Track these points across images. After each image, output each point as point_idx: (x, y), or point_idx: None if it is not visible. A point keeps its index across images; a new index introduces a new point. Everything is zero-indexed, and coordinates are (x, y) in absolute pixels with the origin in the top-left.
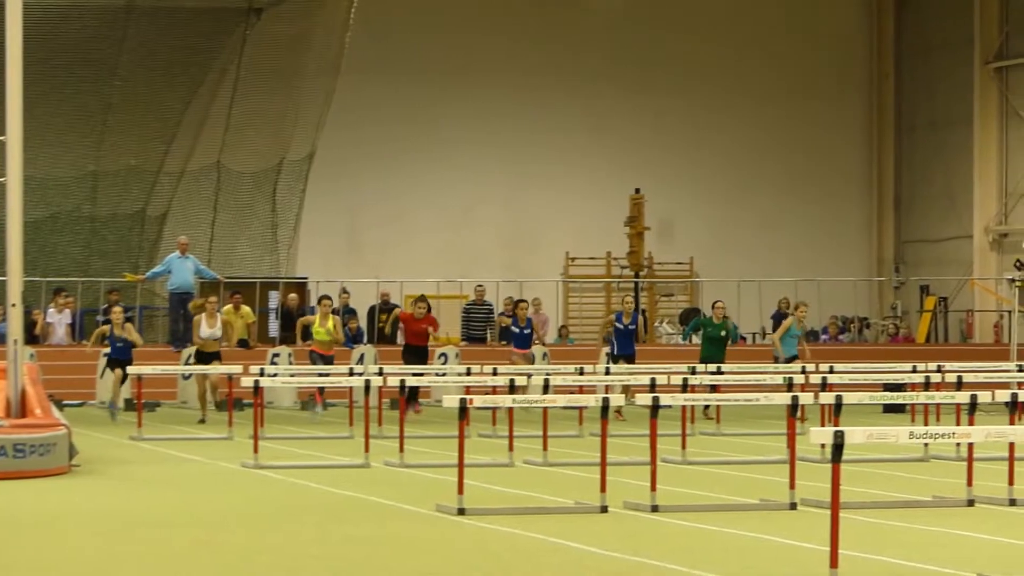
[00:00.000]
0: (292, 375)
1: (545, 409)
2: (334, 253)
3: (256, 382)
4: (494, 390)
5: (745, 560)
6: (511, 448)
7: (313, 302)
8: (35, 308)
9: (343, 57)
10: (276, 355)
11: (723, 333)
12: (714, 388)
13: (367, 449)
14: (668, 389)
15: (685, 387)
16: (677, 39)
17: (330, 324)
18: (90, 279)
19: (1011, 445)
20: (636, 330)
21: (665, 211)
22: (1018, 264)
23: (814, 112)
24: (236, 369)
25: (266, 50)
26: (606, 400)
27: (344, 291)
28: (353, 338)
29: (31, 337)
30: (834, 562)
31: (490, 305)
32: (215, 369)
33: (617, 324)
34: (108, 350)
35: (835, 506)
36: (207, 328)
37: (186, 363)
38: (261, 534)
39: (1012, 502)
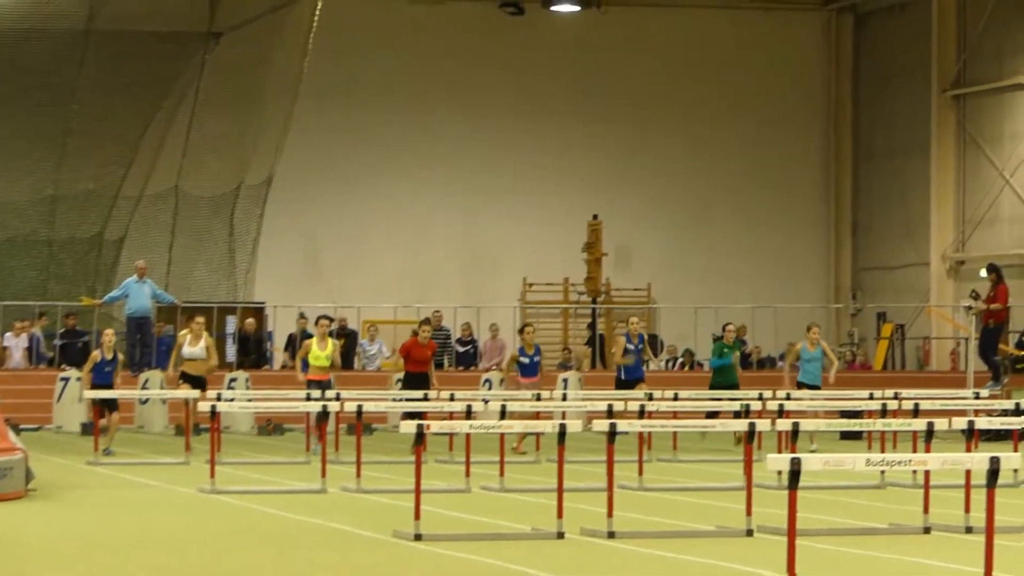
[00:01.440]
0: (249, 400)
1: (502, 435)
2: (292, 278)
3: (213, 407)
4: (451, 416)
5: None
6: (468, 474)
7: (273, 326)
8: None
9: (301, 82)
10: (233, 380)
11: (737, 353)
12: (713, 415)
13: (324, 474)
14: (625, 415)
15: (642, 413)
16: (635, 67)
17: (329, 348)
18: (47, 303)
19: (968, 473)
20: (643, 351)
21: (623, 237)
22: (974, 293)
23: (772, 139)
24: (194, 394)
25: (225, 74)
26: (563, 427)
27: (301, 316)
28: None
29: None
30: None
31: (447, 331)
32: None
33: (628, 345)
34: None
35: (792, 533)
36: (190, 347)
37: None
38: (217, 560)
39: (968, 530)
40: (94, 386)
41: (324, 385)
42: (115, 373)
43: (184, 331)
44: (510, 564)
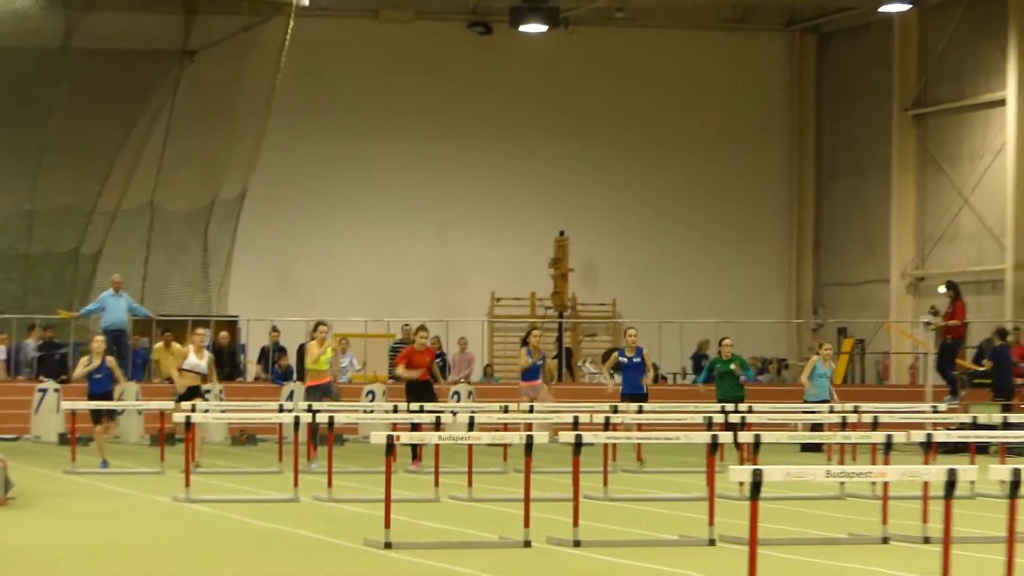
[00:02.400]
0: (223, 411)
1: (470, 446)
2: (265, 291)
3: (188, 417)
4: (420, 427)
5: None
6: (437, 484)
7: (246, 339)
8: None
9: (274, 99)
10: (207, 391)
11: (732, 367)
12: (737, 426)
13: (296, 484)
14: (591, 427)
15: (607, 425)
16: (602, 87)
17: (328, 352)
18: (25, 316)
19: (925, 484)
20: (644, 364)
21: (589, 253)
22: (933, 310)
23: (736, 158)
24: (168, 405)
25: (199, 91)
26: (530, 439)
27: (274, 329)
28: (283, 375)
29: None
30: None
31: None
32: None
33: (621, 359)
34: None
35: (753, 542)
36: (194, 358)
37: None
38: (191, 567)
39: (926, 540)
40: (93, 395)
41: (325, 389)
42: (111, 380)
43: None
44: (478, 572)
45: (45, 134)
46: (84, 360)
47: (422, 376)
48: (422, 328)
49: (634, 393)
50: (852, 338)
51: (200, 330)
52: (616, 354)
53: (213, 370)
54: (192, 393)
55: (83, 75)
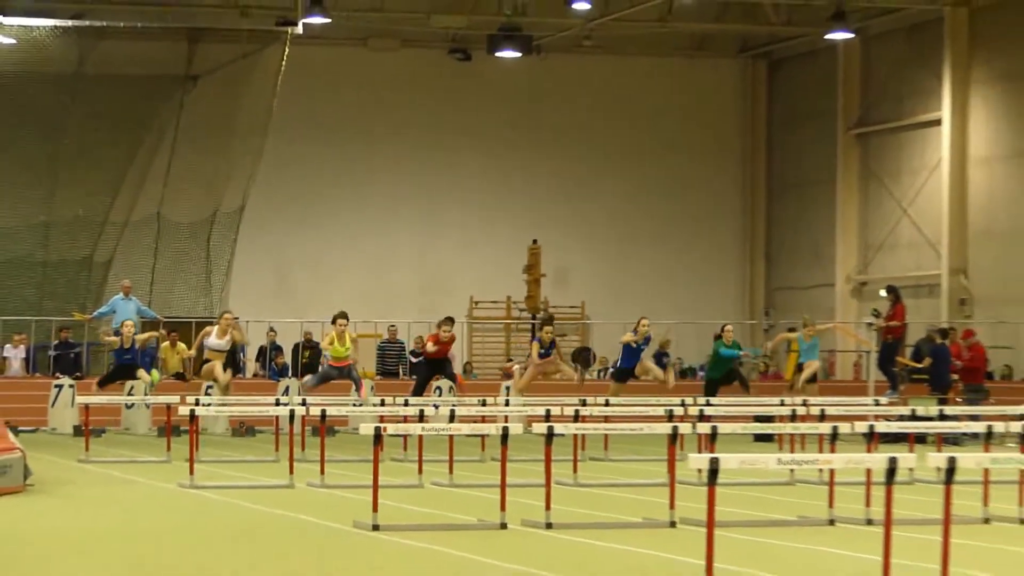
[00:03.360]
0: (224, 404)
1: (451, 436)
2: (262, 295)
3: (192, 411)
4: (405, 419)
5: (630, 572)
6: (420, 471)
7: (245, 340)
8: None
9: (271, 119)
10: (210, 386)
11: (733, 354)
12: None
13: (292, 471)
14: (561, 419)
15: (577, 417)
16: (571, 108)
17: (347, 343)
18: (42, 318)
19: (868, 471)
20: (640, 351)
21: (559, 260)
22: (875, 312)
23: (694, 173)
24: (174, 399)
25: (201, 113)
26: (506, 429)
27: (271, 329)
28: (280, 372)
29: None
30: (709, 573)
31: (402, 343)
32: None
33: (632, 344)
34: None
35: (710, 524)
36: (216, 339)
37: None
38: (195, 548)
39: (869, 522)
40: (118, 366)
41: (344, 371)
42: (135, 358)
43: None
44: (458, 552)
45: (60, 151)
46: (115, 341)
47: (440, 353)
48: (447, 320)
49: (626, 368)
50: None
51: (227, 313)
52: (630, 335)
53: (242, 337)
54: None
55: (95, 98)
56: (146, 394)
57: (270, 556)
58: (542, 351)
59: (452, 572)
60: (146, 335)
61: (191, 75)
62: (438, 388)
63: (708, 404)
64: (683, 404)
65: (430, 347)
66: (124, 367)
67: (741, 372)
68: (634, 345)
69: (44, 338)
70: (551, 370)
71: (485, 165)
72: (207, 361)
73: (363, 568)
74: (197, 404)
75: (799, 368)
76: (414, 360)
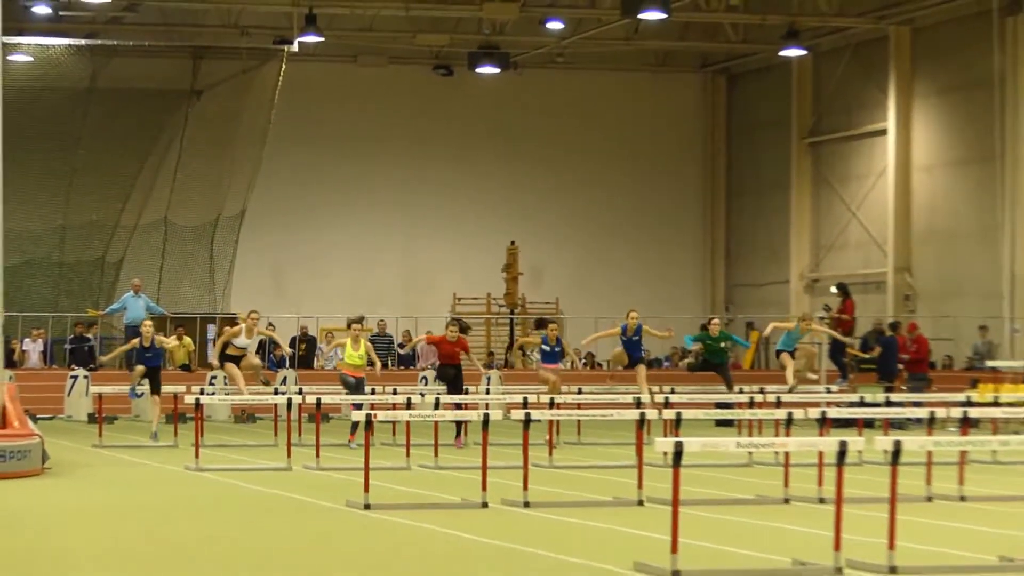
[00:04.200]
0: (227, 393)
1: (436, 422)
2: (261, 293)
3: (197, 399)
4: (394, 407)
5: (601, 547)
6: (408, 454)
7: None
8: (13, 338)
9: (269, 131)
10: (213, 377)
11: (722, 344)
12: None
13: (289, 455)
14: (538, 406)
15: (552, 404)
16: (546, 119)
17: (362, 348)
18: (59, 314)
19: (820, 453)
20: (640, 341)
21: (535, 259)
22: (826, 307)
23: (659, 179)
24: (180, 389)
25: (205, 125)
26: (487, 416)
27: (270, 324)
28: (278, 363)
29: (10, 362)
30: (674, 548)
31: (390, 336)
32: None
33: (622, 337)
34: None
35: (675, 503)
36: (243, 338)
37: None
38: (200, 525)
39: (821, 500)
40: (150, 369)
41: (358, 382)
42: (161, 359)
43: (236, 327)
44: (443, 529)
45: (75, 160)
46: (136, 342)
47: (453, 360)
48: (453, 321)
49: (636, 358)
50: (758, 331)
51: (254, 313)
52: (621, 327)
53: (252, 351)
54: (238, 361)
55: (107, 111)
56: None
57: (269, 532)
58: (547, 348)
59: (438, 548)
60: (171, 344)
61: (195, 90)
62: (424, 378)
63: (673, 392)
64: (650, 392)
65: (439, 356)
66: (149, 369)
67: (728, 370)
68: (623, 339)
69: (60, 333)
70: (553, 380)
71: (466, 172)
72: (231, 357)
73: (355, 544)
74: (202, 393)
75: (777, 354)
76: (401, 352)
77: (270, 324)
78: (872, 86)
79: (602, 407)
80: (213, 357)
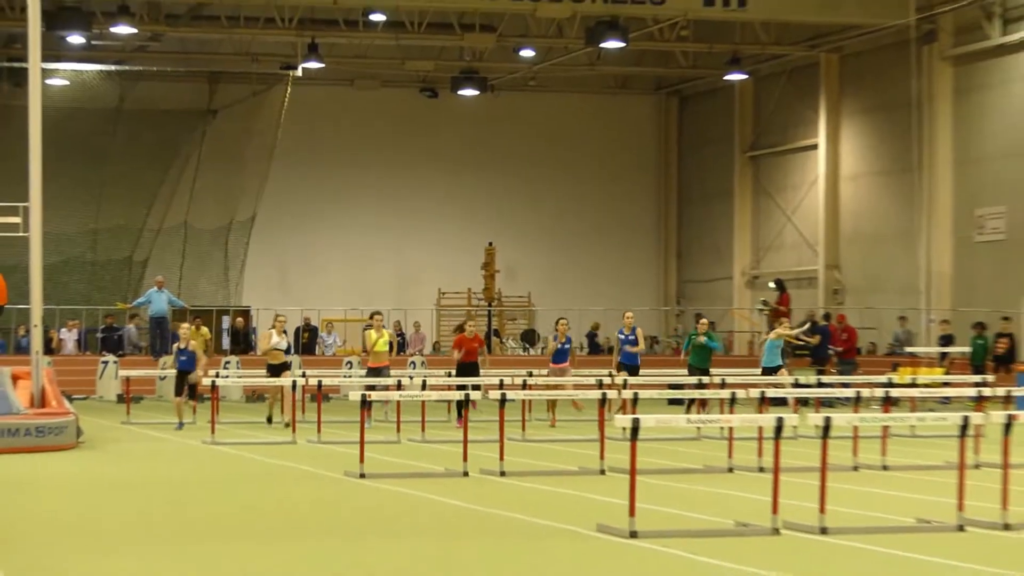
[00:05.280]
0: (239, 376)
1: (423, 402)
2: (268, 288)
3: (213, 382)
4: (387, 388)
5: (568, 511)
6: (398, 430)
7: (255, 324)
8: (51, 328)
9: (276, 145)
10: (227, 362)
11: (704, 342)
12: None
13: (294, 430)
14: (512, 388)
15: (525, 386)
16: (519, 136)
17: (385, 336)
18: (91, 307)
19: (760, 428)
20: (637, 339)
21: (510, 259)
22: (763, 301)
23: (619, 187)
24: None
25: (220, 140)
26: (467, 396)
27: (277, 316)
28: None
29: (48, 349)
30: (632, 512)
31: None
32: (281, 381)
33: (620, 335)
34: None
35: (633, 472)
36: (276, 339)
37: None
38: (216, 492)
39: (761, 469)
40: (180, 372)
41: (383, 372)
42: (196, 361)
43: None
44: (427, 494)
45: (105, 172)
46: (176, 347)
47: (470, 358)
48: (470, 319)
49: (629, 363)
50: (706, 320)
51: (281, 316)
52: (617, 332)
53: (290, 345)
54: (280, 369)
55: (133, 129)
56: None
57: (276, 498)
58: (557, 345)
59: (424, 511)
60: (204, 363)
61: (211, 110)
62: (412, 362)
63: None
64: (610, 375)
65: (456, 355)
66: (182, 372)
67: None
68: (623, 337)
69: (93, 323)
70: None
71: (449, 182)
72: (276, 368)
73: (352, 508)
74: (217, 376)
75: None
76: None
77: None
78: (805, 106)
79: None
80: (261, 351)
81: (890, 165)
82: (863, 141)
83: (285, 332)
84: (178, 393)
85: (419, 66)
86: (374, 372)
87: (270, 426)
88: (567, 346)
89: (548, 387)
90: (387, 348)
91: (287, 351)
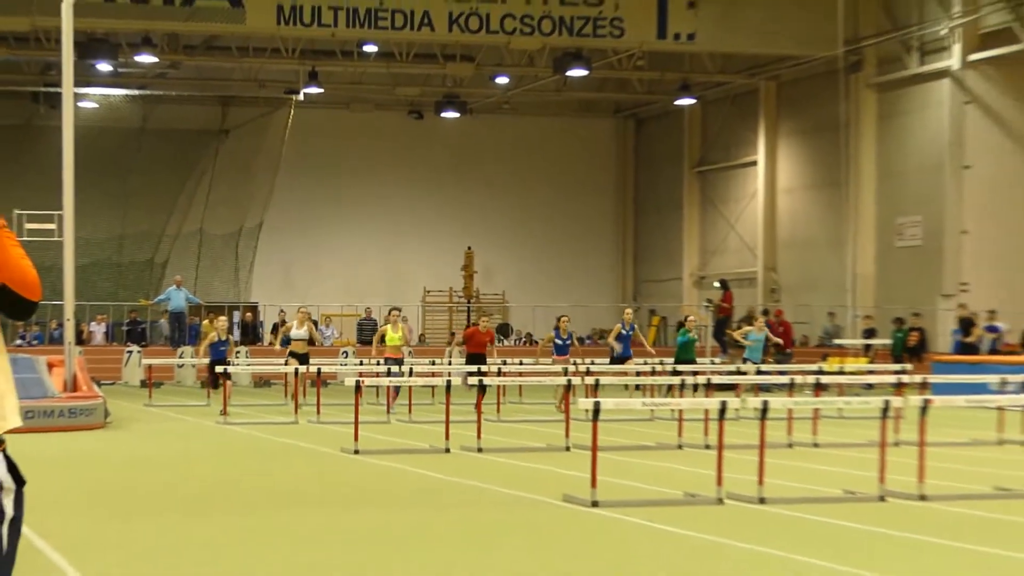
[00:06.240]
0: (248, 364)
1: (410, 387)
2: (274, 286)
3: (225, 369)
4: (377, 375)
5: (538, 483)
6: (388, 411)
7: (263, 318)
8: (82, 322)
9: (280, 161)
10: (238, 352)
11: (693, 339)
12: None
13: (296, 412)
14: (488, 375)
15: (499, 373)
16: (495, 153)
17: (400, 331)
18: (117, 303)
19: (706, 411)
20: (633, 335)
21: (487, 261)
22: (708, 300)
23: (583, 199)
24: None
25: (231, 157)
26: (449, 382)
27: (281, 311)
28: (287, 341)
29: (79, 340)
30: (594, 484)
31: (375, 320)
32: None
33: (621, 330)
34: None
35: (594, 448)
36: (296, 330)
37: (181, 356)
38: (228, 466)
39: (707, 446)
40: (213, 361)
41: (399, 362)
42: (228, 351)
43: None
44: (415, 468)
45: (130, 184)
46: (213, 336)
47: (480, 350)
48: (484, 314)
49: (626, 355)
50: (659, 316)
51: (303, 309)
52: (618, 326)
53: (315, 333)
54: (301, 359)
55: (154, 146)
56: (191, 357)
57: (280, 471)
58: (559, 341)
59: (411, 483)
60: (236, 349)
61: (223, 129)
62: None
63: (592, 363)
64: (575, 364)
65: (459, 350)
66: (216, 360)
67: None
68: (623, 332)
69: (119, 317)
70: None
71: (433, 193)
72: (294, 355)
73: (347, 480)
74: (229, 364)
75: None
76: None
77: (281, 311)
78: (746, 128)
79: (539, 375)
80: (277, 342)
81: (821, 179)
82: (797, 158)
83: (315, 322)
84: (214, 384)
85: (407, 91)
86: (392, 362)
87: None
88: (568, 341)
89: (576, 372)
90: (401, 342)
91: (310, 342)
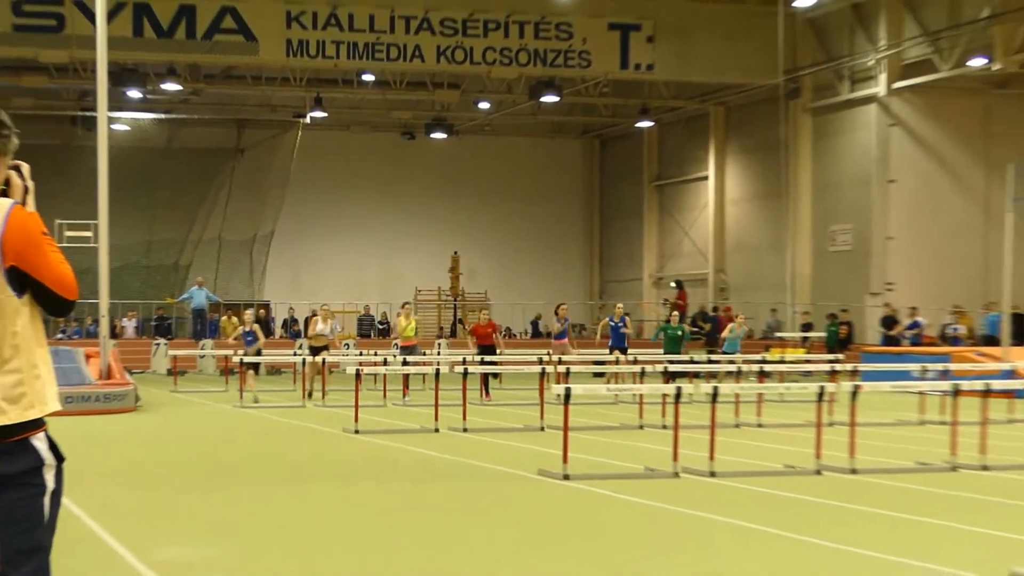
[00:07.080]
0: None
1: (405, 375)
2: (284, 286)
3: (241, 360)
4: (375, 364)
5: (516, 458)
6: (385, 396)
7: (275, 313)
8: (115, 318)
9: (290, 176)
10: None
11: (679, 333)
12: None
13: (303, 396)
14: (472, 364)
15: (483, 362)
16: (478, 170)
17: (413, 323)
18: (146, 301)
19: (664, 395)
20: (626, 326)
21: (472, 264)
22: (664, 300)
23: (556, 210)
24: (230, 352)
25: (246, 173)
26: (437, 370)
27: (291, 308)
28: (296, 334)
29: (113, 334)
30: (565, 459)
31: (372, 316)
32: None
33: (611, 323)
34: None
35: (566, 428)
36: (320, 325)
37: (202, 347)
38: (243, 444)
39: (664, 427)
40: (245, 351)
41: (412, 351)
42: (256, 342)
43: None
44: (407, 446)
45: (156, 197)
46: (240, 329)
47: (486, 341)
48: (483, 310)
49: (617, 345)
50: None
51: (325, 305)
52: (607, 320)
53: (335, 333)
54: (319, 350)
55: (179, 164)
56: (211, 349)
57: (289, 449)
58: (559, 325)
59: (403, 459)
60: (262, 341)
61: (239, 148)
62: (396, 344)
63: (564, 354)
64: (548, 354)
65: (471, 341)
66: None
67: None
68: (613, 323)
69: (148, 314)
70: (566, 352)
71: (424, 204)
72: (315, 349)
73: (347, 456)
74: (245, 355)
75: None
76: (380, 327)
77: (291, 308)
78: (698, 147)
79: (517, 364)
80: (305, 340)
81: (764, 192)
82: (743, 174)
83: (333, 318)
84: (246, 369)
85: (400, 115)
86: (407, 350)
87: (310, 400)
88: (566, 328)
89: (550, 361)
90: (414, 332)
91: (329, 335)
